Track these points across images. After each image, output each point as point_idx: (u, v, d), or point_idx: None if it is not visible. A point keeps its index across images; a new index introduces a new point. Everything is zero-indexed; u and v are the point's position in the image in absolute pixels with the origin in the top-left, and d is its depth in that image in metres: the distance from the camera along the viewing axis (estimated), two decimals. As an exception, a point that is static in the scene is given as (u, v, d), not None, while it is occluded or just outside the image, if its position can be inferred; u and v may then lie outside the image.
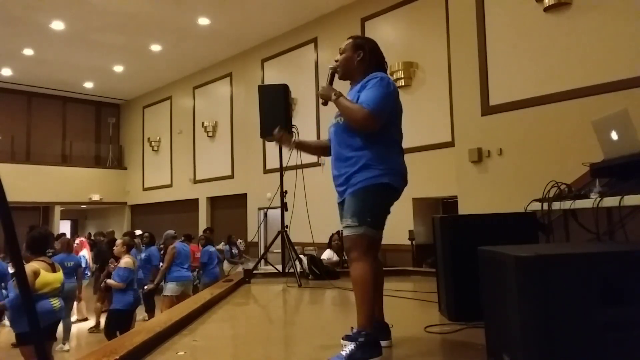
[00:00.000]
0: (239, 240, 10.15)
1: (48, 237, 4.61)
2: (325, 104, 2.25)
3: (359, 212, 2.04)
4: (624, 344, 1.41)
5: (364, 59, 2.25)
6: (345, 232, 2.08)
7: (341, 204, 2.17)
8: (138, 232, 10.51)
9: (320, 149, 2.51)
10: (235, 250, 9.69)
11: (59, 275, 4.45)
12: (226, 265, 9.11)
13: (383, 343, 2.06)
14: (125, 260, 5.69)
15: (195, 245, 8.79)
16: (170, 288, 6.70)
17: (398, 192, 2.14)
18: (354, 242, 2.05)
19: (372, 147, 2.11)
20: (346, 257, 2.14)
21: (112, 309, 5.74)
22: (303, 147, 2.58)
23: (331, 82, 2.30)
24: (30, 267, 4.11)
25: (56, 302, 4.33)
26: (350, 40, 2.31)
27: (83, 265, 8.49)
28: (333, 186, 2.24)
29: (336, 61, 2.31)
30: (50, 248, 4.84)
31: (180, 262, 6.92)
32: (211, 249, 8.10)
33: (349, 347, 1.88)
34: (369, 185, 2.06)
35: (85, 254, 10.70)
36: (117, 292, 5.61)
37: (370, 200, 2.06)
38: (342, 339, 2.06)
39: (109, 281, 5.76)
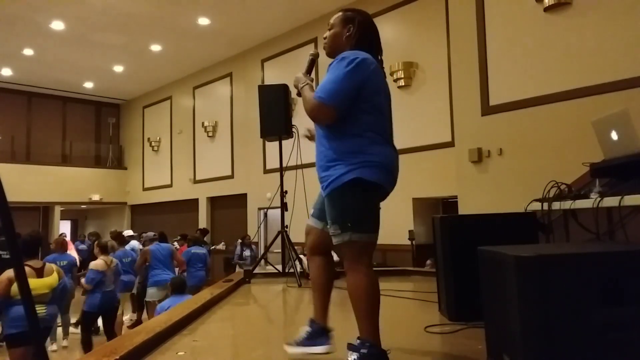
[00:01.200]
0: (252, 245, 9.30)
1: (40, 239, 4.40)
2: (298, 94, 2.00)
3: (338, 218, 1.80)
4: (624, 344, 1.41)
5: (352, 34, 1.94)
6: (333, 241, 1.84)
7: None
8: (128, 232, 10.16)
9: None
10: (247, 253, 8.99)
11: (47, 280, 4.05)
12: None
13: (320, 348, 1.94)
14: (95, 262, 5.76)
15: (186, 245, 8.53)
16: (150, 293, 6.66)
17: (378, 185, 1.81)
18: (342, 250, 1.81)
19: (338, 139, 1.84)
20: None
21: (82, 310, 5.89)
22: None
23: (309, 70, 2.04)
24: (8, 272, 3.81)
25: (41, 309, 3.89)
26: (340, 13, 2.00)
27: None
28: None
29: (325, 38, 2.03)
30: (43, 250, 4.71)
31: (157, 265, 6.74)
32: (195, 250, 7.69)
33: (352, 357, 1.74)
34: (340, 185, 1.79)
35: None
36: (87, 293, 5.76)
37: (345, 202, 1.79)
38: (347, 348, 1.80)
39: (82, 282, 5.92)
